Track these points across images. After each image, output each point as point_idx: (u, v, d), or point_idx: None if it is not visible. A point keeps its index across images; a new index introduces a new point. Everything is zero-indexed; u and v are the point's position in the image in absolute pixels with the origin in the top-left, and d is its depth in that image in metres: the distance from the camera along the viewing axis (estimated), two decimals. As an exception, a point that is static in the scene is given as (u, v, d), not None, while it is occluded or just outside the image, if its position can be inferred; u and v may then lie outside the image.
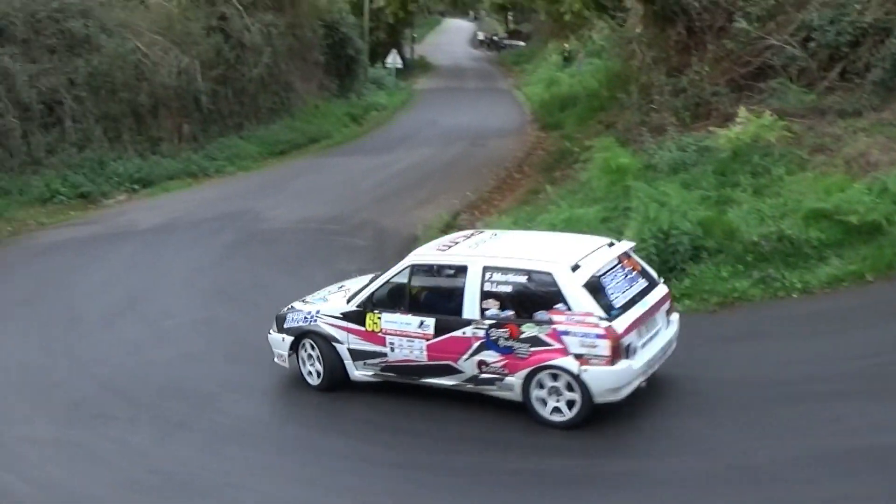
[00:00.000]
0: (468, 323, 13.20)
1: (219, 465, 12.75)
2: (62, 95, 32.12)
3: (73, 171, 31.24)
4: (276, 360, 15.34)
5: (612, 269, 13.19)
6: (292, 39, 45.60)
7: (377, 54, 66.24)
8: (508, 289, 13.03)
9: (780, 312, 16.55)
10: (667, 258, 17.89)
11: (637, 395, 12.91)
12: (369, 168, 36.21)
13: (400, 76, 66.09)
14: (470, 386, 13.48)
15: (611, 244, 13.88)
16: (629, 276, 13.39)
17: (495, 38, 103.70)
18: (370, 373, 14.42)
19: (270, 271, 22.16)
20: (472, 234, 15.20)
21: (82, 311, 19.53)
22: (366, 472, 12.30)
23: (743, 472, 11.34)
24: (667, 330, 13.67)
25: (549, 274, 12.81)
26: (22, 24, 32.29)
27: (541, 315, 12.73)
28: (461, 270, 13.48)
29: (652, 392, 13.27)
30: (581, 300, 12.53)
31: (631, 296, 13.09)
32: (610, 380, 12.41)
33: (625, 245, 14.02)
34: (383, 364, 14.17)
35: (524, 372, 12.87)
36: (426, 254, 14.52)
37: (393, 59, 63.60)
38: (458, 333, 13.29)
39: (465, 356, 13.29)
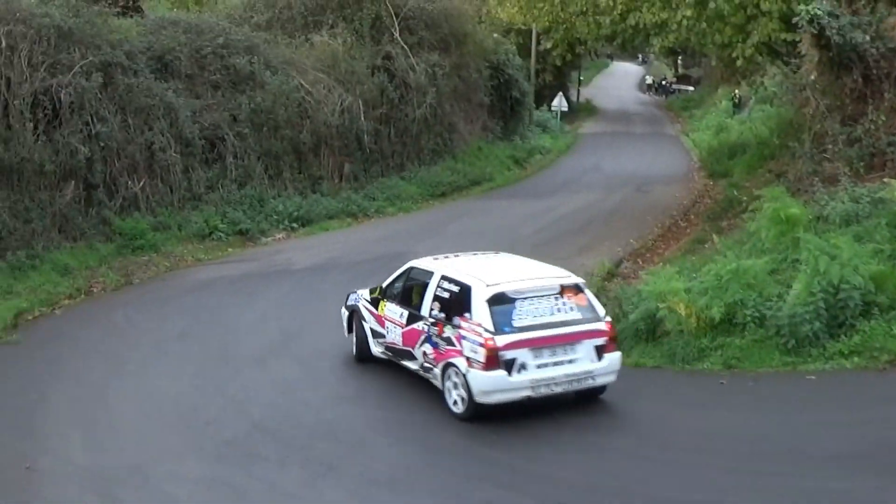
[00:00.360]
0: (422, 318, 16.35)
1: (369, 512, 12.66)
2: (224, 131, 32.70)
3: (232, 208, 31.70)
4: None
5: (536, 296, 15.32)
6: (457, 80, 45.78)
7: (542, 97, 66.18)
8: (447, 295, 15.96)
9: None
10: (836, 313, 17.28)
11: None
12: (530, 212, 36.04)
13: (565, 119, 65.88)
14: (421, 372, 16.50)
15: (567, 277, 16.07)
16: (558, 306, 15.39)
17: (664, 82, 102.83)
18: (380, 350, 17.84)
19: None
20: (476, 253, 18.38)
21: (236, 348, 19.74)
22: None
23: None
24: (593, 363, 15.38)
25: (469, 288, 15.54)
26: (187, 60, 32.99)
27: (455, 320, 15.50)
28: (429, 276, 16.62)
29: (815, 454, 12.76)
30: (480, 313, 15.09)
31: (545, 321, 15.18)
32: (484, 384, 14.87)
33: (572, 280, 16.00)
34: (385, 343, 17.59)
35: (441, 364, 15.74)
36: (421, 261, 17.86)
37: (558, 102, 63.44)
38: (416, 326, 16.47)
39: (417, 345, 16.40)
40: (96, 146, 27.75)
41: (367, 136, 37.93)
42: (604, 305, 21.80)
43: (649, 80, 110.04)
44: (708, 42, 30.65)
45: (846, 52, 25.18)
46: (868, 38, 24.53)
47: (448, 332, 15.59)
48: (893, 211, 21.13)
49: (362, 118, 37.64)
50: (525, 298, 15.24)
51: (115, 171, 28.73)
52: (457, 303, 15.63)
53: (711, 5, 27.62)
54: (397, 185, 38.78)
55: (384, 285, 18.00)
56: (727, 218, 30.33)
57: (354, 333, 18.62)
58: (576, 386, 15.44)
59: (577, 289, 15.77)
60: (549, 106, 64.53)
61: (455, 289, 15.82)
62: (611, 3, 30.39)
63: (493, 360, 14.71)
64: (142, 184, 29.37)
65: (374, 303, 17.98)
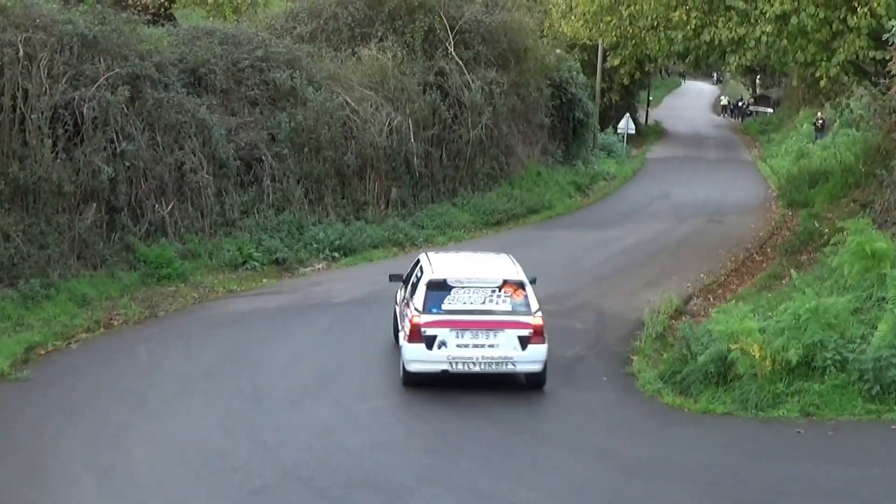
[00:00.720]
0: (404, 299, 20.74)
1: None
2: (262, 152, 32.53)
3: (268, 235, 31.35)
4: None
5: (474, 286, 19.28)
6: (516, 99, 45.70)
7: (608, 118, 66.04)
8: (415, 280, 20.34)
9: None
10: (926, 357, 17.09)
11: None
12: (593, 243, 35.97)
13: (632, 143, 65.70)
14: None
15: (514, 274, 19.94)
16: (493, 297, 19.22)
17: (740, 103, 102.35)
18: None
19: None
20: (477, 252, 23.47)
21: (268, 388, 19.57)
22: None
23: None
24: (515, 351, 19.00)
25: (421, 275, 19.98)
26: (222, 74, 32.80)
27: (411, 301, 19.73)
28: (418, 265, 20.99)
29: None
30: (419, 295, 19.35)
31: (473, 308, 19.13)
32: (408, 353, 19.13)
33: (516, 277, 19.76)
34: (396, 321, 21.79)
35: (401, 335, 19.96)
36: (425, 253, 22.22)
37: (625, 124, 63.21)
38: (402, 306, 20.90)
39: (401, 321, 20.53)
40: (121, 166, 27.41)
41: (417, 159, 37.80)
42: (670, 345, 21.87)
43: (724, 100, 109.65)
44: (789, 60, 30.46)
45: (941, 71, 24.94)
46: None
47: (406, 309, 19.95)
48: None
49: (412, 139, 37.54)
50: (462, 287, 19.27)
51: (140, 194, 28.44)
52: (415, 287, 19.98)
53: (793, 21, 27.36)
54: (448, 212, 38.62)
55: (406, 273, 22.01)
56: (806, 252, 30.17)
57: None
58: (495, 368, 19.12)
59: (518, 285, 19.53)
60: (615, 128, 64.34)
61: (419, 275, 20.24)
62: (684, 18, 30.16)
63: (416, 334, 18.93)
64: (170, 207, 29.16)
65: (397, 286, 22.55)
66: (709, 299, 27.17)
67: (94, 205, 26.87)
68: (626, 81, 40.04)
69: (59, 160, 26.11)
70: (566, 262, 31.96)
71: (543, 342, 19.24)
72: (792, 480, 14.85)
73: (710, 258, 33.05)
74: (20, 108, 25.83)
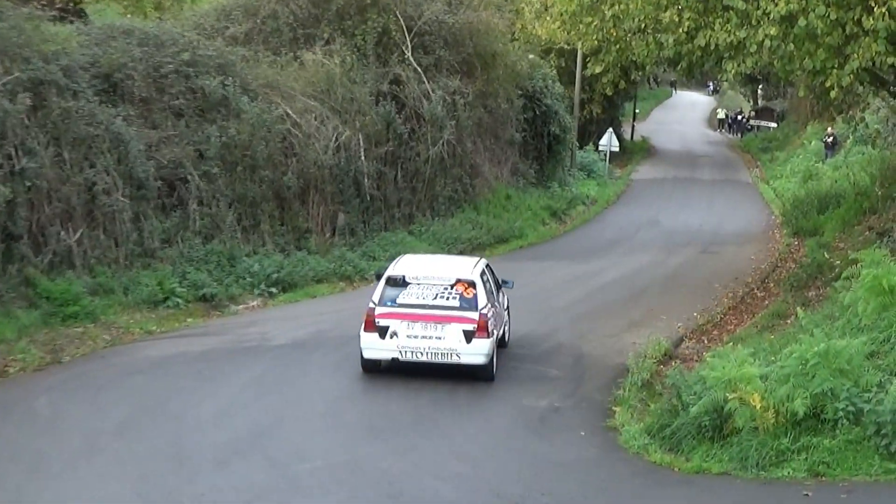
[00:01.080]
0: None
1: None
2: (187, 171, 32.23)
3: (194, 268, 31.10)
4: None
5: (428, 283, 23.58)
6: (482, 111, 45.89)
7: (588, 133, 66.44)
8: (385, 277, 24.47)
9: None
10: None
11: None
12: (570, 277, 36.10)
13: (615, 161, 66.03)
14: None
15: (468, 273, 24.06)
16: (444, 294, 23.45)
17: (739, 116, 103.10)
18: None
19: (435, 406, 21.88)
20: (454, 255, 31.71)
21: (191, 446, 19.26)
22: None
23: None
24: (460, 343, 22.93)
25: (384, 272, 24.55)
26: (142, 80, 32.43)
27: None
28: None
29: None
30: (378, 289, 23.87)
31: (424, 302, 23.37)
32: (363, 341, 23.44)
33: (468, 276, 23.82)
34: None
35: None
36: (406, 255, 27.71)
37: (607, 141, 63.58)
38: None
39: None
40: (20, 186, 26.83)
41: (368, 180, 37.88)
42: (658, 395, 21.88)
43: (721, 113, 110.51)
44: (795, 67, 30.43)
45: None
46: None
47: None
48: None
49: (362, 157, 37.61)
50: (418, 284, 23.63)
51: (43, 219, 27.89)
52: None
53: (801, 22, 27.21)
54: (404, 241, 38.65)
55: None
56: (815, 287, 30.29)
57: None
58: (441, 359, 23.14)
59: (469, 284, 23.63)
60: (596, 145, 64.62)
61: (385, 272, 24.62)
62: (675, 19, 30.11)
63: (371, 324, 23.30)
64: (78, 235, 28.69)
65: None
66: (702, 342, 27.25)
67: (-13, 232, 26.55)
68: (608, 91, 40.08)
69: (-56, 179, 25.80)
70: (539, 300, 31.97)
71: (487, 337, 23.09)
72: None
73: (705, 294, 33.21)
74: None
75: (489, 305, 23.62)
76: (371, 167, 38.02)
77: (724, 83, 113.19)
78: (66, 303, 26.98)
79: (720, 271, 36.98)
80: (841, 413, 17.60)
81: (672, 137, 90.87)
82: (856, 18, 27.32)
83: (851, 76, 28.49)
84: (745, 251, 41.32)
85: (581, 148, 62.51)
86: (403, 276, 23.80)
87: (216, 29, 39.89)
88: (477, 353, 23.02)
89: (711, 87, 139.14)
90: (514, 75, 49.17)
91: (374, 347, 23.33)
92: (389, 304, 23.41)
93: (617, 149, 65.83)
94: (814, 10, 26.94)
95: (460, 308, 23.20)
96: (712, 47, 29.91)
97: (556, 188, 52.97)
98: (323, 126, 36.56)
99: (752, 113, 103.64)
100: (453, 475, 18.23)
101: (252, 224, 33.96)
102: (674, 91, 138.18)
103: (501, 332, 25.25)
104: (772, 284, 34.19)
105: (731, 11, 28.94)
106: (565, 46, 49.84)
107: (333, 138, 36.52)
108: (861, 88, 32.23)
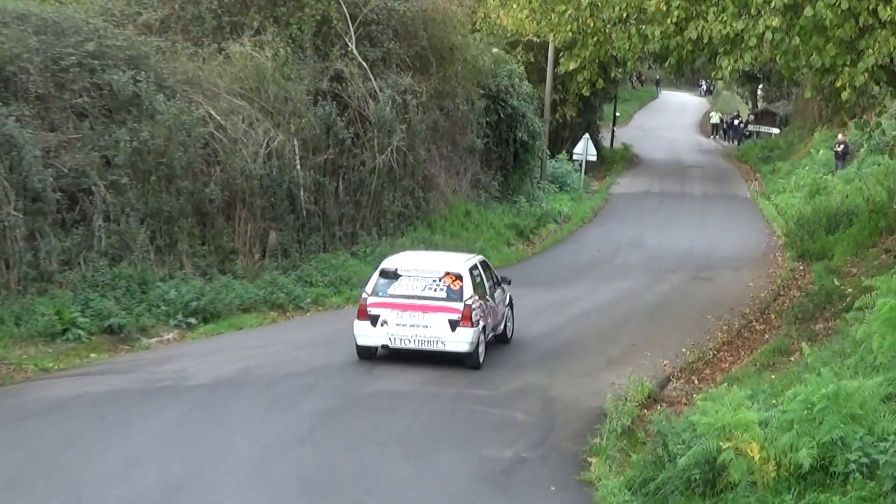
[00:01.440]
0: None
1: None
2: (92, 181, 32.05)
3: (99, 294, 30.87)
4: None
5: (419, 276, 28.43)
6: (438, 114, 46.03)
7: (561, 140, 66.74)
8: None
9: None
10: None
11: None
12: (539, 307, 36.26)
13: (592, 172, 66.29)
14: None
15: (457, 267, 28.95)
16: (433, 285, 28.19)
17: (736, 121, 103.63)
18: None
19: (382, 456, 21.57)
20: (454, 252, 35.09)
21: (94, 504, 19.24)
22: None
23: None
24: (445, 332, 27.62)
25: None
26: (38, 74, 32.25)
27: None
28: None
29: None
30: (372, 281, 28.78)
31: (414, 294, 28.11)
32: (356, 328, 28.23)
33: (457, 269, 28.63)
34: None
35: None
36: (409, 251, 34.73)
37: (583, 148, 63.82)
38: None
39: None
40: None
41: (305, 193, 37.95)
42: (641, 444, 21.89)
43: (715, 117, 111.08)
44: (801, 64, 30.45)
45: None
46: None
47: None
48: None
49: (298, 166, 37.71)
50: (409, 276, 28.49)
51: (-83, 237, 28.17)
52: None
53: (807, 12, 26.97)
54: (346, 263, 38.88)
55: None
56: (823, 319, 30.33)
57: None
58: (428, 346, 28.00)
59: (456, 276, 28.34)
60: (570, 153, 64.80)
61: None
62: (663, 8, 29.91)
63: (363, 313, 28.17)
64: (-40, 256, 28.87)
65: None
66: (693, 382, 27.27)
67: None
68: (584, 91, 39.96)
69: None
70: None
71: (472, 326, 27.76)
72: None
73: (696, 327, 33.36)
74: None
75: (475, 297, 28.29)
76: (308, 178, 38.14)
77: (719, 82, 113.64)
78: (-57, 336, 26.92)
79: (713, 300, 37.22)
80: (853, 465, 17.59)
81: (658, 145, 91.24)
82: (871, 8, 27.22)
83: (866, 75, 28.52)
84: (743, 277, 41.61)
85: (552, 157, 62.75)
86: (396, 269, 28.84)
87: (127, 15, 39.82)
88: (461, 341, 27.80)
89: (704, 88, 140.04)
90: (475, 72, 49.35)
91: (365, 335, 28.30)
92: (381, 294, 28.36)
93: (594, 158, 66.11)
94: (822, -1, 26.98)
95: (447, 299, 27.97)
96: (705, 40, 29.90)
97: (524, 203, 53.19)
98: (252, 130, 36.59)
99: (751, 117, 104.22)
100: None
101: (168, 243, 33.83)
102: (658, 91, 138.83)
103: (502, 326, 31.06)
104: (773, 316, 34.26)
105: (727, -1, 29.03)
106: (535, 39, 49.78)
107: (264, 144, 36.59)
108: (877, 89, 32.35)
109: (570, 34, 34.31)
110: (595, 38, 33.46)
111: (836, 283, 32.50)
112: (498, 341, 30.68)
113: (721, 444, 18.32)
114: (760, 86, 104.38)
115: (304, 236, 38.34)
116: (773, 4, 27.49)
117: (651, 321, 34.54)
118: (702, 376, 27.89)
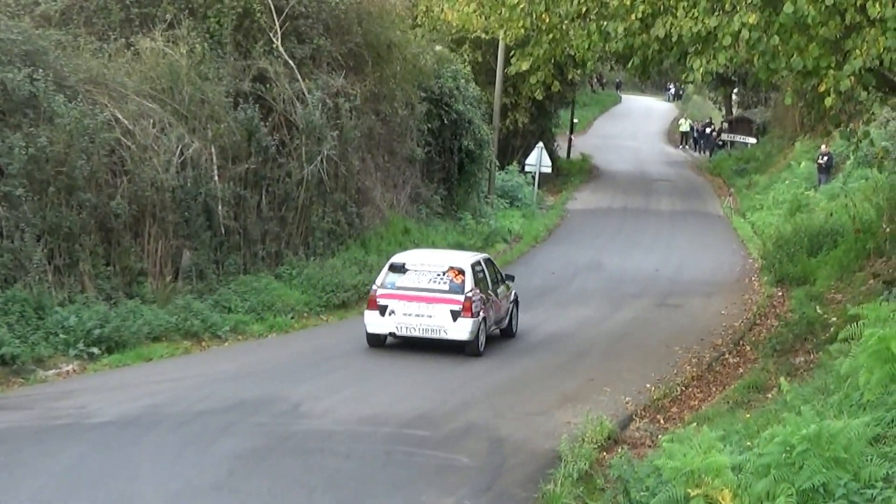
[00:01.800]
0: None
1: None
2: (-20, 192, 31.89)
3: (-13, 321, 30.75)
4: None
5: (425, 270, 33.88)
6: (373, 119, 46.15)
7: (512, 149, 66.93)
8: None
9: None
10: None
11: None
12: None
13: (546, 186, 66.45)
14: None
15: (461, 262, 34.79)
16: (437, 279, 33.55)
17: (708, 129, 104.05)
18: None
19: (309, 501, 21.58)
20: (459, 251, 42.85)
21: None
22: None
23: None
24: (447, 322, 32.88)
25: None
26: (-83, 71, 32.09)
27: None
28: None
29: None
30: (382, 274, 34.52)
31: (419, 286, 33.44)
32: (366, 318, 33.90)
33: (460, 264, 34.10)
34: None
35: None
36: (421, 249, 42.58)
37: (537, 159, 63.90)
38: None
39: None
40: None
41: (223, 207, 37.89)
42: (600, 490, 21.92)
43: (685, 125, 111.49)
44: (781, 66, 30.35)
45: None
46: None
47: None
48: None
49: (216, 177, 37.64)
50: (416, 271, 33.92)
51: None
52: None
53: (787, 8, 26.84)
54: (269, 287, 38.85)
55: None
56: (803, 351, 30.53)
57: None
58: (432, 335, 33.30)
59: (459, 271, 33.76)
60: (522, 164, 64.95)
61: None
62: (627, 2, 29.48)
63: (373, 303, 33.54)
64: None
65: None
66: (658, 421, 27.23)
67: None
68: (538, 95, 39.86)
69: None
70: (444, 366, 32.36)
71: (472, 316, 33.12)
72: None
73: (661, 360, 33.49)
74: None
75: (477, 291, 33.62)
76: (227, 190, 38.09)
77: (689, 86, 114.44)
78: None
79: (681, 330, 37.50)
80: (838, 515, 17.79)
81: (621, 155, 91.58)
82: (859, 4, 27.21)
83: (852, 78, 28.50)
84: (714, 304, 41.90)
85: (502, 168, 62.90)
86: (404, 264, 34.30)
87: (23, 5, 39.33)
88: (462, 330, 33.17)
89: (672, 92, 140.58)
90: (415, 72, 49.42)
91: (374, 324, 33.74)
92: (390, 287, 33.74)
93: (549, 169, 66.26)
94: (804, -7, 26.95)
95: (449, 291, 33.44)
96: (674, 39, 29.76)
97: (469, 220, 53.32)
98: (164, 136, 36.41)
99: (725, 125, 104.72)
100: None
101: (68, 263, 33.46)
102: (620, 96, 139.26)
103: (506, 321, 36.74)
104: (748, 347, 34.52)
105: (699, -7, 28.99)
106: (483, 36, 49.72)
107: (178, 152, 36.46)
108: (864, 94, 32.46)
109: (523, 31, 34.08)
110: (550, 36, 33.28)
111: (819, 311, 32.64)
112: (504, 335, 36.74)
113: (689, 491, 18.33)
114: (735, 90, 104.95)
115: (223, 256, 38.27)
116: (749, 0, 27.53)
117: (611, 353, 34.67)
118: (668, 415, 27.95)
